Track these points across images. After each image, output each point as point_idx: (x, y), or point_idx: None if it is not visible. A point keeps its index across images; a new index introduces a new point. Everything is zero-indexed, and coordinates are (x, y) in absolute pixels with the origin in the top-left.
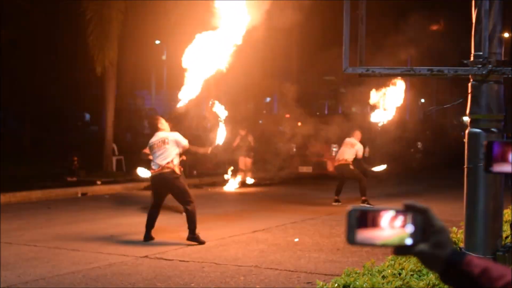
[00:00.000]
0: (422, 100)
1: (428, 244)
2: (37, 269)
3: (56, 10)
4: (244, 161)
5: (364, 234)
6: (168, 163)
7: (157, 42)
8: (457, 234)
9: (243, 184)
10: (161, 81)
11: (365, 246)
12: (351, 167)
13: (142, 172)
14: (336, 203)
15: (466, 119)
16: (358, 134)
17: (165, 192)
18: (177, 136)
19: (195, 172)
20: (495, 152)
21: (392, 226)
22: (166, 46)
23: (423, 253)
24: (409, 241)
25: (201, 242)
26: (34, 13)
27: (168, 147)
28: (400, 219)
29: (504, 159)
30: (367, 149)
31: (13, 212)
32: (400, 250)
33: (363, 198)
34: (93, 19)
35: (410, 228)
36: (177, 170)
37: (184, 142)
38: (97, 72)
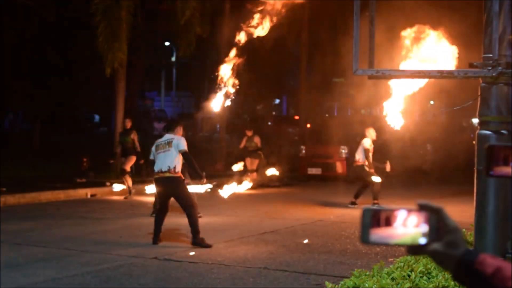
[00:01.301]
0: (432, 102)
1: (441, 243)
2: (46, 270)
3: (66, 12)
4: (251, 162)
5: (378, 234)
6: (169, 169)
7: (167, 43)
8: (466, 236)
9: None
10: (170, 83)
11: (379, 245)
12: (366, 168)
13: (117, 188)
14: (352, 205)
15: (476, 121)
16: (369, 131)
17: (168, 195)
18: (179, 139)
19: (203, 173)
20: (496, 156)
21: (406, 226)
22: (176, 47)
23: (436, 252)
24: (422, 241)
25: (207, 246)
26: (43, 15)
27: (171, 151)
28: (413, 219)
29: (505, 163)
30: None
31: (22, 213)
32: (413, 249)
33: (375, 201)
34: (103, 20)
35: (423, 228)
36: (180, 175)
37: (182, 146)
38: (106, 73)
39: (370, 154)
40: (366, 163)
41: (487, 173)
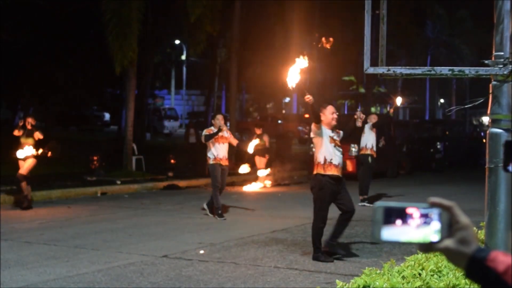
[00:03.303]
0: (442, 100)
1: (453, 240)
2: (57, 268)
3: (76, 11)
4: (259, 161)
5: (390, 231)
6: None
7: (177, 41)
8: (477, 235)
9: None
10: (180, 81)
11: (391, 243)
12: (369, 160)
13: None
14: (368, 204)
15: (485, 119)
16: (372, 117)
17: None
18: None
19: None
20: None
21: (418, 223)
22: (186, 45)
23: (448, 249)
24: (434, 238)
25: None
26: (53, 14)
27: None
28: (425, 216)
29: None
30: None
31: (33, 211)
32: (425, 246)
33: (365, 196)
34: (113, 19)
35: (435, 225)
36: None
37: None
38: (116, 72)
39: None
40: (369, 152)
41: (505, 168)
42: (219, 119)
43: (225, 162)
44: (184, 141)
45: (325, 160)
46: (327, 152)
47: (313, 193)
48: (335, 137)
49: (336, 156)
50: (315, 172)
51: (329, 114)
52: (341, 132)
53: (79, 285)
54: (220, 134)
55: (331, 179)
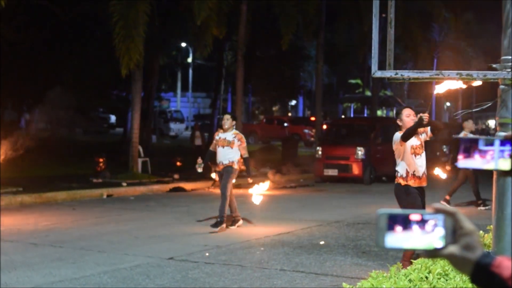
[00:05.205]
0: (448, 104)
1: (458, 246)
2: (62, 270)
3: (83, 13)
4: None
5: (394, 238)
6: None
7: (183, 44)
8: (484, 239)
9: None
10: (186, 83)
11: (395, 250)
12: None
13: None
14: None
15: (492, 122)
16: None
17: None
18: None
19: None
20: None
21: (422, 229)
22: (192, 48)
23: (453, 255)
24: (439, 244)
25: None
26: (60, 15)
27: None
28: (429, 222)
29: None
30: None
31: (38, 213)
32: (430, 253)
33: (480, 201)
34: (120, 21)
35: (440, 231)
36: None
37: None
38: (122, 74)
39: None
40: None
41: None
42: (224, 119)
43: (221, 167)
44: (190, 144)
45: (407, 172)
46: (408, 164)
47: (399, 202)
48: (417, 144)
49: (418, 167)
50: (396, 181)
51: (405, 117)
52: (428, 129)
53: (85, 287)
54: (222, 137)
55: (414, 188)
